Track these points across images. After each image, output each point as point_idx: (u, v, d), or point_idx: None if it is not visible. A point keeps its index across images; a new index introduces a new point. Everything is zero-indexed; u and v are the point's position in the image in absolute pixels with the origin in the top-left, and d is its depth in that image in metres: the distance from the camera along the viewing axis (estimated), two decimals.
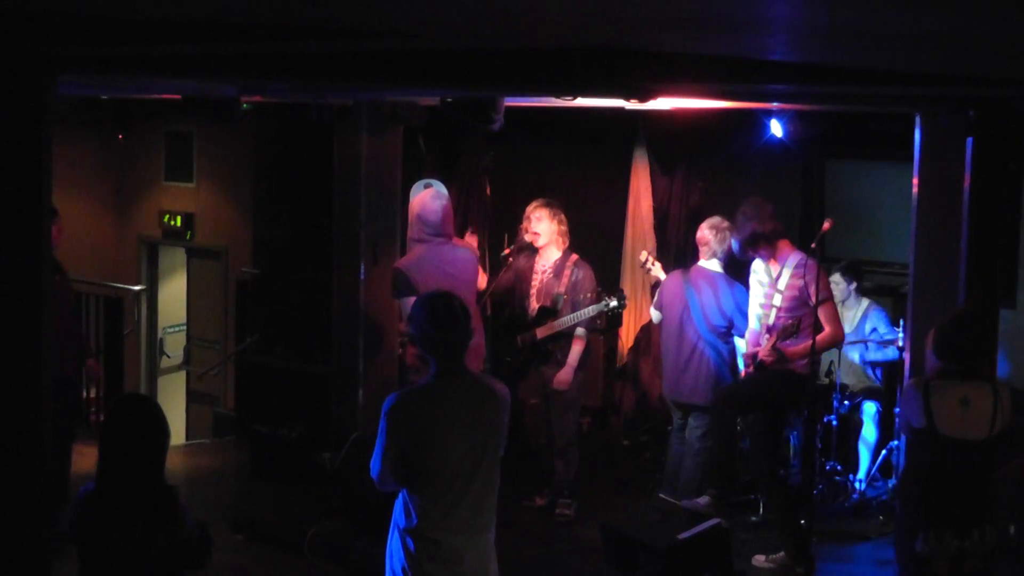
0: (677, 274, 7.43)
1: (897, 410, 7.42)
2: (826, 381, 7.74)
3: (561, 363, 7.36)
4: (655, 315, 7.49)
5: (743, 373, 6.74)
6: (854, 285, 8.01)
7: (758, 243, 6.53)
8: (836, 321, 6.48)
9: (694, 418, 7.19)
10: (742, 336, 7.01)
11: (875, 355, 7.98)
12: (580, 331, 7.33)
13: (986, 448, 4.90)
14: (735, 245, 6.67)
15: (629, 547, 5.87)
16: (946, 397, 4.88)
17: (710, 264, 7.22)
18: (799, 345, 6.41)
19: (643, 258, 7.72)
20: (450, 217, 7.05)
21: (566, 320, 7.29)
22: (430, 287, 5.86)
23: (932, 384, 4.93)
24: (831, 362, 7.78)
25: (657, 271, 7.65)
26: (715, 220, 7.26)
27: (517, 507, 7.49)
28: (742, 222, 6.54)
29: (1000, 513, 5.14)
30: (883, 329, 7.94)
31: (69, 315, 7.24)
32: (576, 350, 7.34)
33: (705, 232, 7.24)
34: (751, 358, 6.57)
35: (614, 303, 7.19)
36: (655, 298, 7.49)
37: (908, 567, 4.99)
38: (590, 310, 7.23)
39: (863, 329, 7.95)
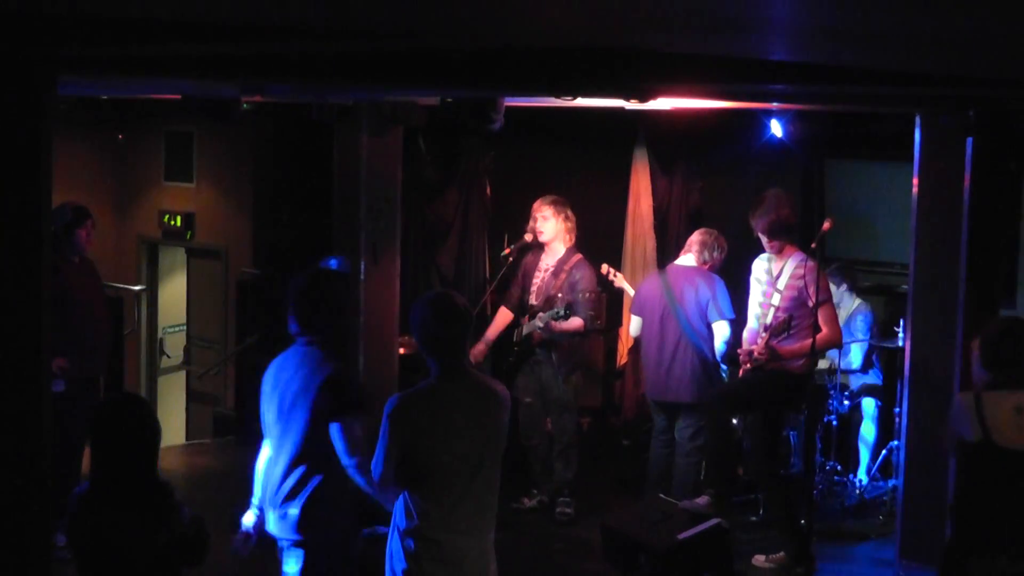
0: (654, 276, 7.46)
1: (897, 410, 7.43)
2: (826, 380, 7.73)
3: (555, 365, 7.39)
4: (634, 321, 7.42)
5: (741, 372, 6.73)
6: (844, 287, 8.00)
7: (778, 233, 6.49)
8: (834, 323, 6.48)
9: (682, 418, 7.18)
10: (714, 321, 7.02)
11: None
12: (576, 322, 7.32)
13: None
14: (762, 228, 6.59)
15: (629, 547, 5.88)
16: (1000, 407, 4.71)
17: (684, 260, 7.22)
18: (793, 344, 6.41)
19: (604, 270, 7.73)
20: None
21: (532, 324, 7.32)
22: None
23: (983, 396, 4.75)
24: (832, 361, 7.77)
25: (620, 281, 7.68)
26: (706, 231, 7.30)
27: (516, 507, 7.49)
28: (767, 208, 6.50)
29: None
30: (859, 332, 7.91)
31: (104, 317, 7.22)
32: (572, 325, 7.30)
33: (694, 238, 7.27)
34: (747, 355, 6.56)
35: (561, 311, 7.19)
36: (632, 304, 7.46)
37: None
38: (544, 316, 7.24)
39: (853, 327, 7.95)
